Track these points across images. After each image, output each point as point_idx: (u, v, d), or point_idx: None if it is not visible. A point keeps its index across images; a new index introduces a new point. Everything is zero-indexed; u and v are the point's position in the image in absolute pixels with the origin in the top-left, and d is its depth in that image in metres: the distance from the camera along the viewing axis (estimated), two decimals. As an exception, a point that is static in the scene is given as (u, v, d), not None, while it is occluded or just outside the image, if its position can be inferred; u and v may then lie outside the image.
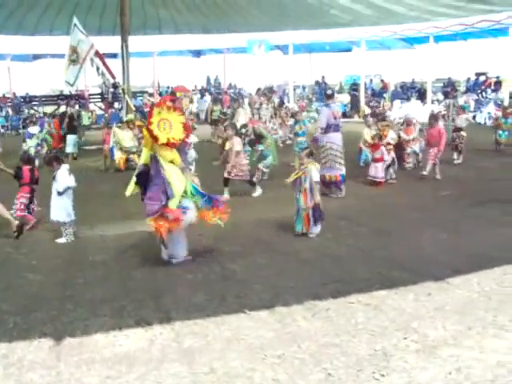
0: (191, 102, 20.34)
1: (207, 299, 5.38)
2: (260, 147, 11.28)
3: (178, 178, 6.33)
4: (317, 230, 7.56)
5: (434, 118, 12.42)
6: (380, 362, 4.06)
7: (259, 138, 11.28)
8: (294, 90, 29.92)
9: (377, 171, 11.21)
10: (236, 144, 10.14)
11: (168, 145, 6.29)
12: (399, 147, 12.55)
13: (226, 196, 9.71)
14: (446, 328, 4.57)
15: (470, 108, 21.36)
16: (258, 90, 20.91)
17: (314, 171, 7.60)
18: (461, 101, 16.76)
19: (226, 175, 10.15)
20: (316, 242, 7.27)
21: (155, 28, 23.51)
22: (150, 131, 6.26)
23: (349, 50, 31.71)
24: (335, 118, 10.24)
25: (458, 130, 13.78)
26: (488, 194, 9.87)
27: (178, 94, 6.59)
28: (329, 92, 10.91)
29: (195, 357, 4.24)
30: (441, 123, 12.84)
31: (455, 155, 13.58)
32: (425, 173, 11.53)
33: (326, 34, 28.23)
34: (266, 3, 19.61)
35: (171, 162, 6.36)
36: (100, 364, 4.17)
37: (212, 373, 3.99)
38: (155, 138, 6.24)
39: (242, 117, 16.09)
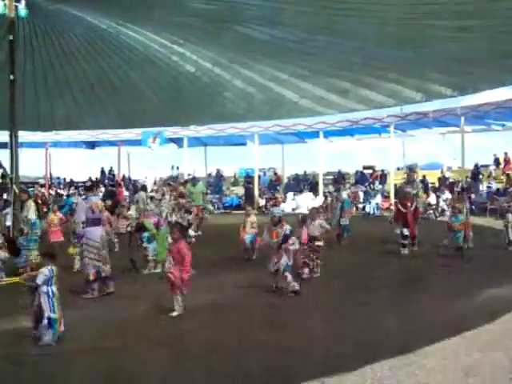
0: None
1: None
2: (145, 235, 11.49)
3: None
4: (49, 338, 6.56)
5: (178, 228, 8.41)
6: None
7: (144, 229, 11.52)
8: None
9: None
10: None
11: None
12: None
13: None
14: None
15: (350, 203, 21.27)
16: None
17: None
18: (344, 194, 16.96)
19: None
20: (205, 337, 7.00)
21: (49, 125, 23.29)
22: None
23: (243, 144, 32.66)
24: (93, 212, 9.53)
25: (312, 239, 10.27)
26: (369, 280, 10.07)
27: None
28: (88, 184, 10.25)
29: None
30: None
31: (306, 271, 10.04)
32: (174, 313, 7.81)
33: (221, 127, 29.08)
34: (164, 82, 20.05)
35: None
36: None
37: None
38: None
39: (32, 211, 12.80)
